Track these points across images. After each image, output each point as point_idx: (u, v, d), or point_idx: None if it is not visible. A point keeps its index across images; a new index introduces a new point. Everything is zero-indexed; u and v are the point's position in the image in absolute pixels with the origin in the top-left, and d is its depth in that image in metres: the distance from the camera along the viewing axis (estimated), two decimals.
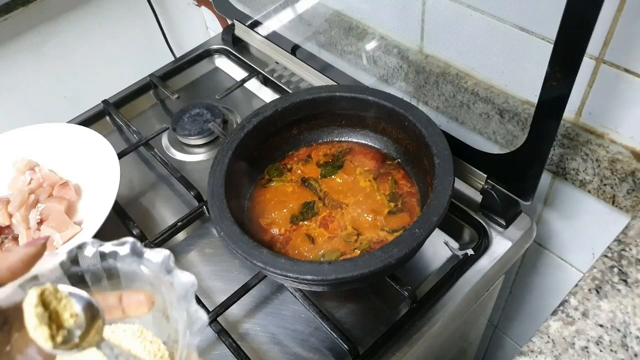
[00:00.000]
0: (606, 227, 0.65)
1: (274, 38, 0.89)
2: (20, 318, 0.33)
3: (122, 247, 0.34)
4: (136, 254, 0.34)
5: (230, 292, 0.61)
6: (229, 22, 0.97)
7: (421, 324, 0.58)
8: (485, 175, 0.64)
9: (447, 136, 0.60)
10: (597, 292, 0.53)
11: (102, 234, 0.64)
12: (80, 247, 0.34)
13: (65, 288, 0.31)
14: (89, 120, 0.86)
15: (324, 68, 0.82)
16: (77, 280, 0.34)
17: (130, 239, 0.34)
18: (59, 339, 0.30)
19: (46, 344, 0.29)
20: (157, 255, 0.34)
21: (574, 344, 0.50)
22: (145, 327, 0.34)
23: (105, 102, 0.87)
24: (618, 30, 0.51)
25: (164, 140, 0.84)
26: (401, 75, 0.74)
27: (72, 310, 0.31)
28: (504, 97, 0.64)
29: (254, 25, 0.92)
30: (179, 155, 0.82)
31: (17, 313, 0.33)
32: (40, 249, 0.33)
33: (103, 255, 0.34)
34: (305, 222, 0.62)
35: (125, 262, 0.34)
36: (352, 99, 0.66)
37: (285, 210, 0.63)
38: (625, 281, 0.53)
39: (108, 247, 0.34)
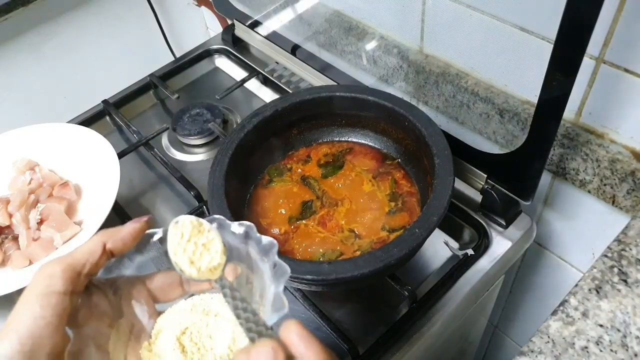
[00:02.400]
0: (606, 227, 0.65)
1: (274, 38, 0.89)
2: (128, 287, 0.40)
3: (211, 224, 0.38)
4: (223, 227, 0.38)
5: None
6: (229, 22, 0.97)
7: (421, 324, 0.58)
8: (485, 175, 0.64)
9: (447, 136, 0.60)
10: (597, 292, 0.52)
11: None
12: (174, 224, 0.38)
13: (206, 224, 0.36)
14: (89, 120, 0.86)
15: (324, 68, 0.82)
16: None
17: (218, 216, 0.39)
18: (196, 267, 0.35)
19: (184, 270, 0.35)
20: (240, 228, 0.38)
21: (574, 344, 0.49)
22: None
23: (105, 102, 0.87)
24: (618, 30, 0.51)
25: (164, 140, 0.84)
26: (401, 75, 0.74)
27: (210, 243, 0.36)
28: (504, 97, 0.64)
29: (254, 25, 0.92)
30: (179, 155, 0.82)
31: (125, 283, 0.40)
32: (144, 225, 0.39)
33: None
34: (304, 222, 0.62)
35: None
36: (352, 99, 0.66)
37: (285, 210, 0.63)
38: (625, 281, 0.53)
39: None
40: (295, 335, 0.29)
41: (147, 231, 0.39)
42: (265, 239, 0.37)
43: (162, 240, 0.39)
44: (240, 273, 0.40)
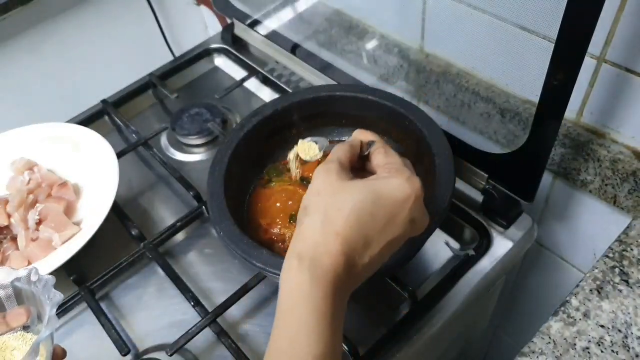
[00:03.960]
0: (607, 227, 0.65)
1: (273, 37, 0.89)
2: None
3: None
4: (10, 275, 0.47)
5: (230, 293, 0.61)
6: (229, 21, 0.97)
7: (422, 325, 0.58)
8: (487, 175, 0.63)
9: (448, 136, 0.60)
10: (599, 292, 0.52)
11: (101, 234, 0.64)
12: None
13: (309, 142, 0.57)
14: (88, 120, 0.86)
15: (324, 67, 0.82)
16: None
17: (3, 268, 0.47)
18: (309, 156, 0.57)
19: (305, 159, 0.57)
20: (24, 271, 0.47)
21: (575, 344, 0.49)
22: (25, 332, 0.48)
23: (104, 101, 0.87)
24: (619, 29, 0.51)
25: (163, 140, 0.84)
26: (402, 74, 0.74)
27: (314, 149, 0.57)
28: (505, 96, 0.63)
29: (254, 24, 0.92)
30: (178, 155, 0.82)
31: None
32: None
33: None
34: None
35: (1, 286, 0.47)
36: (352, 99, 0.66)
37: (285, 210, 0.63)
38: (626, 281, 0.53)
39: None
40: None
41: None
42: (46, 277, 0.46)
43: None
44: (32, 313, 0.48)
